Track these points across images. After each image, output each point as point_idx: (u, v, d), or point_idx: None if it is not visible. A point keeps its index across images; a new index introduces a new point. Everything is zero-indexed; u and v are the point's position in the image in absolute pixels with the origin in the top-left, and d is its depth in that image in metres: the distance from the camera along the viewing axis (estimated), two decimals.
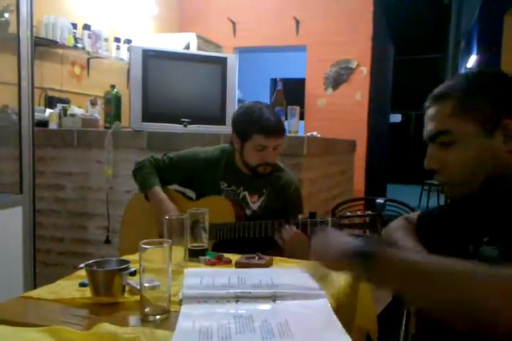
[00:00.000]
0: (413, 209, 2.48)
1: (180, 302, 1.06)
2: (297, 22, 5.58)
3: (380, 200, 2.55)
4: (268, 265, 1.39)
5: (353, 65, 5.47)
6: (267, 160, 1.84)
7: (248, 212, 1.91)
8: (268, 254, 1.45)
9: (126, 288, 1.13)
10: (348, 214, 1.66)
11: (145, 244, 1.02)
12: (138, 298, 1.03)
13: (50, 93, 3.91)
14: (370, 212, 1.61)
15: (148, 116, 2.77)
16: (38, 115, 2.87)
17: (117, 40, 4.63)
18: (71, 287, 1.17)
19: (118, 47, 4.62)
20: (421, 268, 0.80)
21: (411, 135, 13.40)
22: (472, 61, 8.92)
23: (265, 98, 6.77)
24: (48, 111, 3.32)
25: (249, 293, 1.09)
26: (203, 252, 1.46)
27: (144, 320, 1.00)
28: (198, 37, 4.81)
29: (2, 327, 0.89)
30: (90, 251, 2.96)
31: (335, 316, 1.00)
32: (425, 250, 1.07)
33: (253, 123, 1.80)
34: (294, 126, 2.88)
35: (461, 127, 0.95)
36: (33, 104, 2.27)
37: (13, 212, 2.22)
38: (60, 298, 1.09)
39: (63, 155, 2.99)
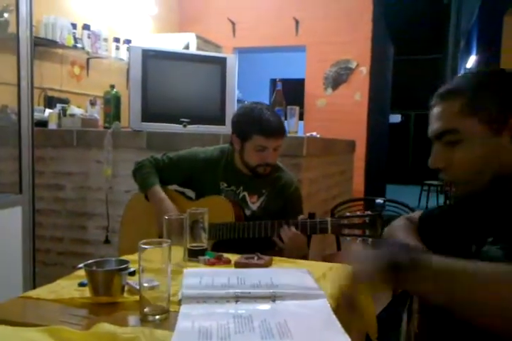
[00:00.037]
0: (412, 210, 2.48)
1: (179, 302, 1.06)
2: (297, 22, 5.58)
3: (379, 200, 2.55)
4: (267, 265, 1.39)
5: (353, 65, 5.47)
6: (267, 160, 1.84)
7: (248, 212, 1.91)
8: (267, 254, 1.45)
9: (126, 288, 1.13)
10: (348, 214, 1.66)
11: (144, 243, 1.02)
12: (137, 297, 1.03)
13: (50, 93, 3.91)
14: (369, 212, 1.61)
15: (147, 116, 2.77)
16: (37, 115, 2.87)
17: (117, 40, 4.63)
18: (70, 287, 1.17)
19: (117, 47, 4.62)
20: (465, 271, 0.77)
21: (410, 135, 13.41)
22: (472, 61, 8.93)
23: (265, 98, 6.78)
24: (48, 111, 3.32)
25: (249, 293, 1.09)
26: (202, 252, 1.46)
27: (144, 320, 1.00)
28: (198, 37, 4.82)
29: (2, 327, 0.89)
30: (90, 251, 2.96)
31: (334, 316, 1.00)
32: (427, 250, 1.07)
33: (253, 124, 1.80)
34: (294, 127, 2.88)
35: (468, 126, 0.95)
36: (32, 104, 2.27)
37: (13, 211, 2.22)
38: (60, 297, 1.09)
39: (63, 155, 2.99)
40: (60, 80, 4.11)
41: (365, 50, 5.43)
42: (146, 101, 2.76)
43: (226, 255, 1.46)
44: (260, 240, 1.74)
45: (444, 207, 1.25)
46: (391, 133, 8.51)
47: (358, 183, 5.04)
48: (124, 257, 1.27)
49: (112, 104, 3.06)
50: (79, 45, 4.13)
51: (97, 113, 3.43)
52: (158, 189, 1.91)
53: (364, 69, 5.46)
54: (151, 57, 2.78)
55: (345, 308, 0.93)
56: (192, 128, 2.81)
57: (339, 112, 5.45)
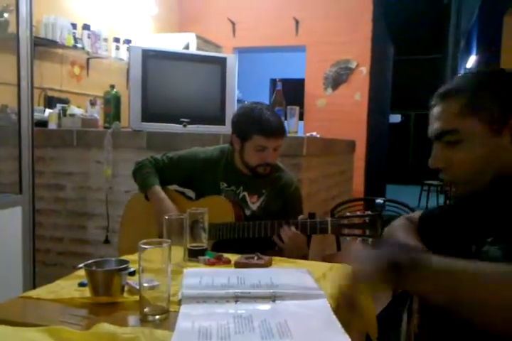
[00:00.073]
0: (412, 210, 2.48)
1: (179, 302, 1.06)
2: (297, 22, 5.58)
3: (379, 200, 2.55)
4: (267, 265, 1.39)
5: (353, 65, 5.48)
6: (267, 160, 1.84)
7: (248, 213, 1.91)
8: (267, 254, 1.45)
9: (126, 288, 1.13)
10: (348, 214, 1.66)
11: (144, 244, 1.02)
12: (137, 297, 1.03)
13: (50, 93, 3.91)
14: (369, 212, 1.61)
15: (147, 116, 2.77)
16: (37, 115, 2.87)
17: (117, 40, 4.63)
18: (70, 287, 1.17)
19: (117, 48, 4.62)
20: (466, 271, 0.77)
21: (410, 135, 13.41)
22: (472, 61, 8.93)
23: (265, 98, 6.78)
24: (48, 111, 3.32)
25: (249, 293, 1.09)
26: (202, 252, 1.46)
27: (144, 320, 1.00)
28: (198, 37, 4.82)
29: (2, 327, 0.89)
30: (89, 251, 2.96)
31: (334, 316, 1.00)
32: (426, 250, 1.07)
33: (253, 124, 1.80)
34: (294, 127, 2.88)
35: (468, 126, 0.95)
36: (32, 104, 2.27)
37: (13, 211, 2.22)
38: (60, 297, 1.09)
39: (63, 155, 2.99)
40: (60, 80, 4.11)
41: (365, 50, 5.43)
42: (146, 101, 2.76)
43: (226, 255, 1.46)
44: (260, 240, 1.74)
45: (444, 207, 1.25)
46: (391, 133, 8.51)
47: (358, 183, 5.04)
48: (124, 257, 1.27)
49: (112, 104, 3.06)
50: (79, 45, 4.13)
51: (97, 113, 3.43)
52: (158, 189, 1.91)
53: (364, 69, 5.46)
54: (151, 57, 2.78)
55: (345, 308, 0.92)
56: (192, 128, 2.81)
57: (339, 112, 5.45)
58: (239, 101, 5.49)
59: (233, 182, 1.93)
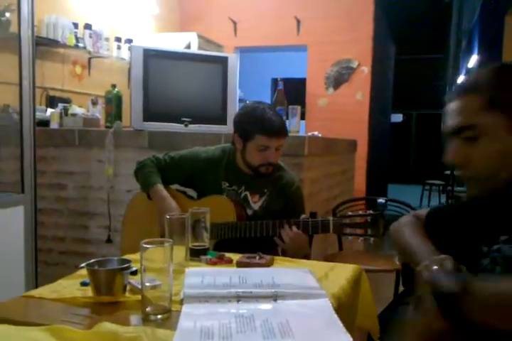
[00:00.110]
0: (414, 209, 2.48)
1: (181, 302, 1.06)
2: (298, 21, 5.58)
3: (381, 200, 2.55)
4: (269, 264, 1.39)
5: (354, 64, 5.47)
6: (269, 160, 1.84)
7: (249, 212, 1.91)
8: (269, 254, 1.45)
9: (128, 288, 1.13)
10: (350, 213, 1.65)
11: (146, 243, 1.02)
12: (139, 297, 1.03)
13: (52, 92, 3.91)
14: (371, 212, 1.61)
15: (149, 115, 2.77)
16: (39, 114, 2.87)
17: (118, 39, 4.63)
18: (72, 286, 1.17)
19: (119, 47, 4.62)
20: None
21: (412, 135, 13.41)
22: (473, 61, 8.91)
23: (266, 98, 6.78)
24: (49, 110, 3.32)
25: (251, 292, 1.09)
26: (204, 252, 1.46)
27: (145, 320, 1.00)
28: (199, 36, 4.81)
29: (4, 326, 0.90)
30: (91, 250, 2.96)
31: (336, 316, 1.00)
32: (434, 246, 1.05)
33: (255, 124, 1.80)
34: (295, 126, 2.88)
35: (488, 122, 0.92)
36: (34, 103, 2.27)
37: (15, 211, 2.22)
38: (62, 297, 1.10)
39: (64, 155, 2.99)
40: (62, 80, 4.11)
41: (367, 49, 5.42)
42: (147, 100, 2.76)
43: (228, 254, 1.46)
44: (262, 240, 1.74)
45: (454, 204, 1.22)
46: (393, 132, 8.51)
47: (360, 183, 5.04)
48: (126, 256, 1.27)
49: (114, 104, 3.06)
50: (80, 45, 4.13)
51: (98, 112, 3.44)
52: (160, 187, 1.91)
53: (365, 69, 5.45)
54: (152, 57, 2.78)
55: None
56: (193, 127, 2.81)
57: (341, 112, 5.45)
58: (240, 100, 5.49)
59: (235, 182, 1.93)
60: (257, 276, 1.19)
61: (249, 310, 1.02)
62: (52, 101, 3.77)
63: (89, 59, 4.39)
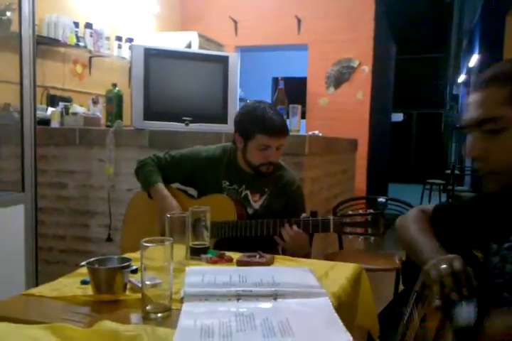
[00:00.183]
0: None
1: (181, 300, 1.06)
2: (299, 21, 5.58)
3: (381, 199, 2.55)
4: (269, 263, 1.39)
5: (355, 63, 5.47)
6: (270, 159, 1.84)
7: (250, 211, 1.92)
8: (269, 253, 1.45)
9: (128, 286, 1.13)
10: (350, 212, 1.65)
11: (146, 242, 1.02)
12: (139, 295, 1.04)
13: (52, 91, 3.91)
14: (372, 211, 1.60)
15: (149, 114, 2.77)
16: (39, 113, 2.87)
17: (119, 38, 4.63)
18: (73, 285, 1.17)
19: (120, 46, 4.62)
20: None
21: (413, 134, 13.42)
22: (474, 60, 8.90)
23: (267, 97, 6.79)
24: (50, 109, 3.32)
25: (251, 291, 1.09)
26: (204, 250, 1.47)
27: (146, 318, 1.00)
28: (200, 36, 4.81)
29: (4, 324, 0.90)
30: (92, 249, 2.97)
31: (336, 315, 1.00)
32: (439, 243, 1.03)
33: (256, 123, 1.80)
34: (296, 125, 2.88)
35: (511, 115, 0.90)
36: (35, 102, 2.27)
37: (15, 210, 2.23)
38: (62, 295, 1.10)
39: (65, 154, 2.99)
40: (63, 79, 4.12)
41: (367, 48, 5.42)
42: (148, 99, 2.76)
43: (228, 253, 1.46)
44: (262, 238, 1.74)
45: (465, 199, 1.20)
46: (393, 132, 8.51)
47: (360, 182, 5.04)
48: (127, 255, 1.27)
49: (114, 103, 3.06)
50: (81, 44, 4.13)
51: (99, 111, 3.44)
52: (161, 186, 1.91)
53: (366, 68, 5.45)
54: (153, 56, 2.78)
55: None
56: (194, 126, 2.81)
57: (341, 111, 5.45)
58: (241, 99, 5.49)
59: (235, 181, 1.93)
60: (257, 275, 1.19)
61: (250, 309, 1.02)
62: (52, 100, 3.77)
63: (90, 58, 4.39)
